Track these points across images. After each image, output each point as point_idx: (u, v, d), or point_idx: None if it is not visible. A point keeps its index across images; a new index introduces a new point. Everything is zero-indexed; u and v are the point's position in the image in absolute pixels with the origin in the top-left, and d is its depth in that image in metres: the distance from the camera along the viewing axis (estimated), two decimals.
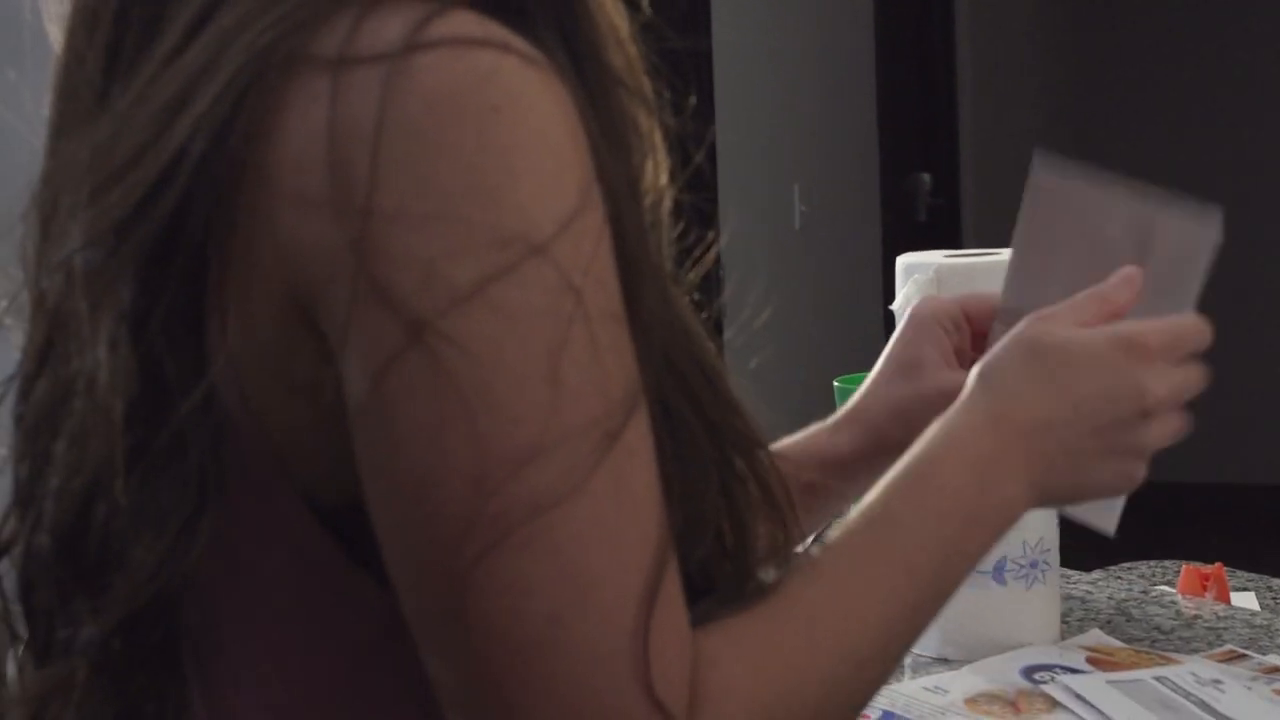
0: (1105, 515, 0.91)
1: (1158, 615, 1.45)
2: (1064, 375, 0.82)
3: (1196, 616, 1.45)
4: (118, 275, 0.64)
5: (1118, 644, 1.37)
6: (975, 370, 0.83)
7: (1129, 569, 1.78)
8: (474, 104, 0.62)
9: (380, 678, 0.70)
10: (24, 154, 0.73)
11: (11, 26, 0.86)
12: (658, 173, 0.76)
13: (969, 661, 1.33)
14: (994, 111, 5.99)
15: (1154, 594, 1.53)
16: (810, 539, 0.87)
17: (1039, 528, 1.37)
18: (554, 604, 0.62)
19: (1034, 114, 6.51)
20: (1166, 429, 0.84)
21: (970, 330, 0.99)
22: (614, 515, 0.63)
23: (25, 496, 0.69)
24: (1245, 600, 1.61)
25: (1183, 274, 0.89)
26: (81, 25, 0.71)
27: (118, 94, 0.67)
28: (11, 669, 0.73)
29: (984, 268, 1.29)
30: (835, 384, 1.34)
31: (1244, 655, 1.33)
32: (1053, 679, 1.27)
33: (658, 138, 0.75)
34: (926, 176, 5.50)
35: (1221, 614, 1.46)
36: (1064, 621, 1.42)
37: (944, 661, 1.34)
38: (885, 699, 1.24)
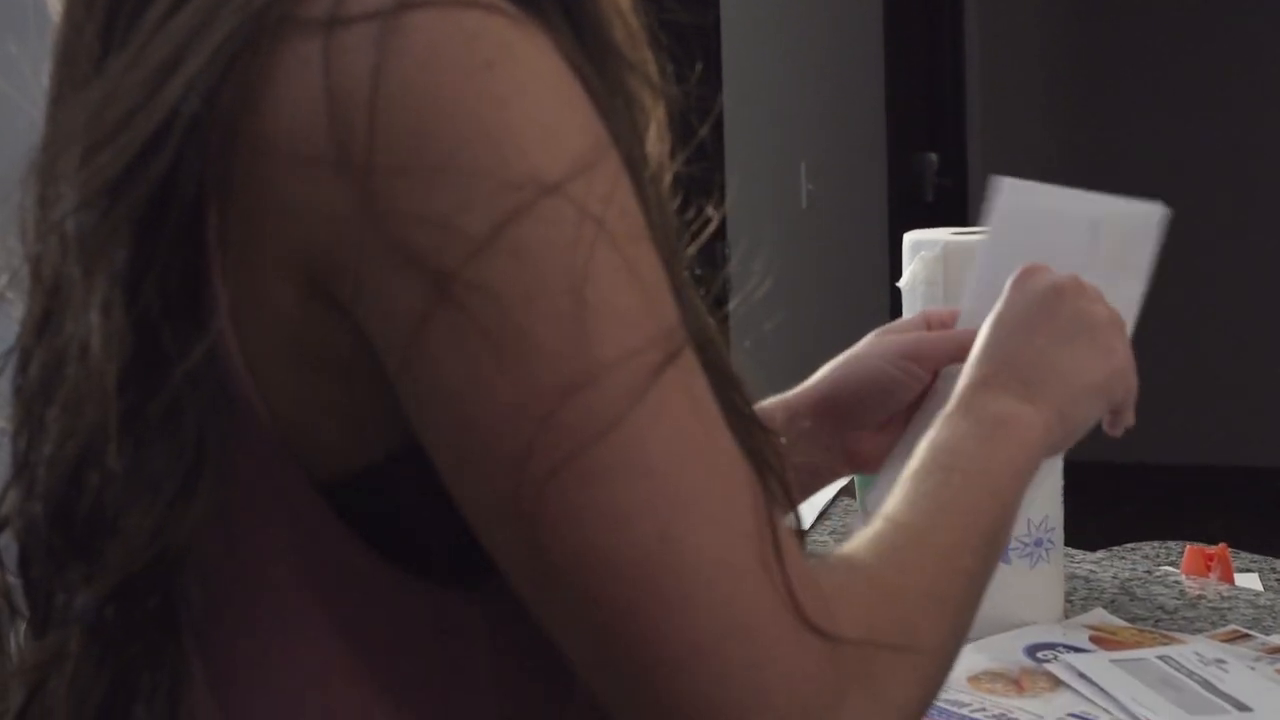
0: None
1: (1162, 595, 1.45)
2: (1007, 322, 0.90)
3: (1200, 597, 1.45)
4: (111, 237, 0.64)
5: (1121, 623, 1.37)
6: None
7: (1133, 549, 1.78)
8: (467, 61, 0.62)
9: (380, 648, 0.70)
10: (25, 127, 0.73)
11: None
12: (660, 146, 0.75)
13: (972, 640, 1.32)
14: (1002, 92, 5.97)
15: (1158, 574, 1.53)
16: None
17: (1043, 506, 1.37)
18: (660, 522, 0.61)
19: (1041, 95, 6.49)
20: (1105, 308, 0.91)
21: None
22: (698, 429, 0.63)
23: (21, 466, 0.69)
24: (1249, 581, 1.61)
25: (1130, 262, 1.00)
26: None
27: (114, 61, 0.67)
28: (14, 647, 0.72)
29: None
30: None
31: (1248, 635, 1.33)
32: (1056, 658, 1.27)
33: (661, 112, 0.75)
34: (933, 156, 5.49)
35: (1225, 594, 1.46)
36: (1068, 601, 1.42)
37: None
38: None
